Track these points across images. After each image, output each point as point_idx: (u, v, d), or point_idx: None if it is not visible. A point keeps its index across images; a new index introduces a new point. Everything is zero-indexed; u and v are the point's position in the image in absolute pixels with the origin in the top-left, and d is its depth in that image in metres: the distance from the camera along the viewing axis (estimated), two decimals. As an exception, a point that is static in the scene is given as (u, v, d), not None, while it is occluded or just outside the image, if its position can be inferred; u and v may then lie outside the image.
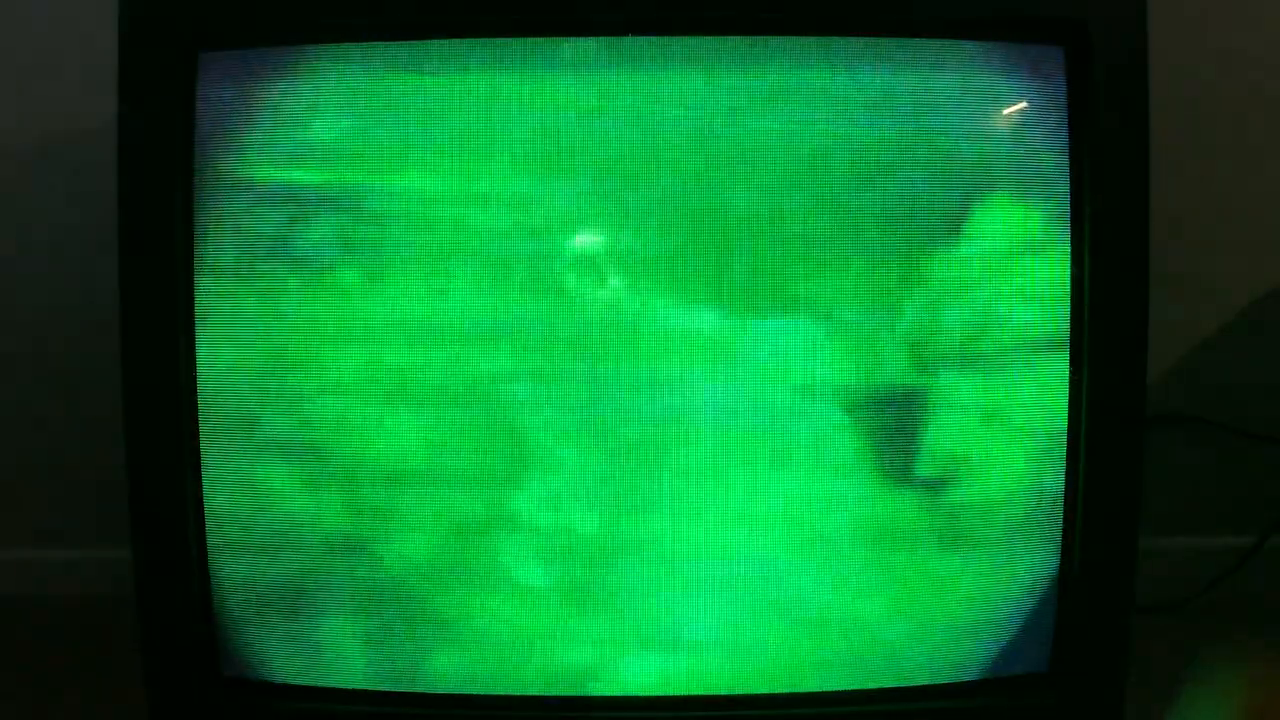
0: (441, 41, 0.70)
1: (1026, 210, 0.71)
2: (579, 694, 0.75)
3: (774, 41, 0.70)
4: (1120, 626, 0.74)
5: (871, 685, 0.75)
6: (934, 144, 0.70)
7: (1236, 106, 1.11)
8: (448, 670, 0.74)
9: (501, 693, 0.75)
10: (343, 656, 0.75)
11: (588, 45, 0.70)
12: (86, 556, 1.14)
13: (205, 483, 0.72)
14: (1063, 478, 0.73)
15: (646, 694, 0.74)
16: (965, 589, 0.74)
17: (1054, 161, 0.71)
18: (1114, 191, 0.70)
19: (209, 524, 0.73)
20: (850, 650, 0.75)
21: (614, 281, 0.70)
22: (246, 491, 0.73)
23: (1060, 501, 0.73)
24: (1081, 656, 0.74)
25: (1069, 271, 0.71)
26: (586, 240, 0.71)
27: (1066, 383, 0.72)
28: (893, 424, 0.72)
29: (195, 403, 0.72)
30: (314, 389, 0.72)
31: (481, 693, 0.75)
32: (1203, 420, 1.15)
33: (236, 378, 0.72)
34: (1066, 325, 0.72)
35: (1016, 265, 0.72)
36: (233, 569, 0.74)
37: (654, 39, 0.70)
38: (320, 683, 0.75)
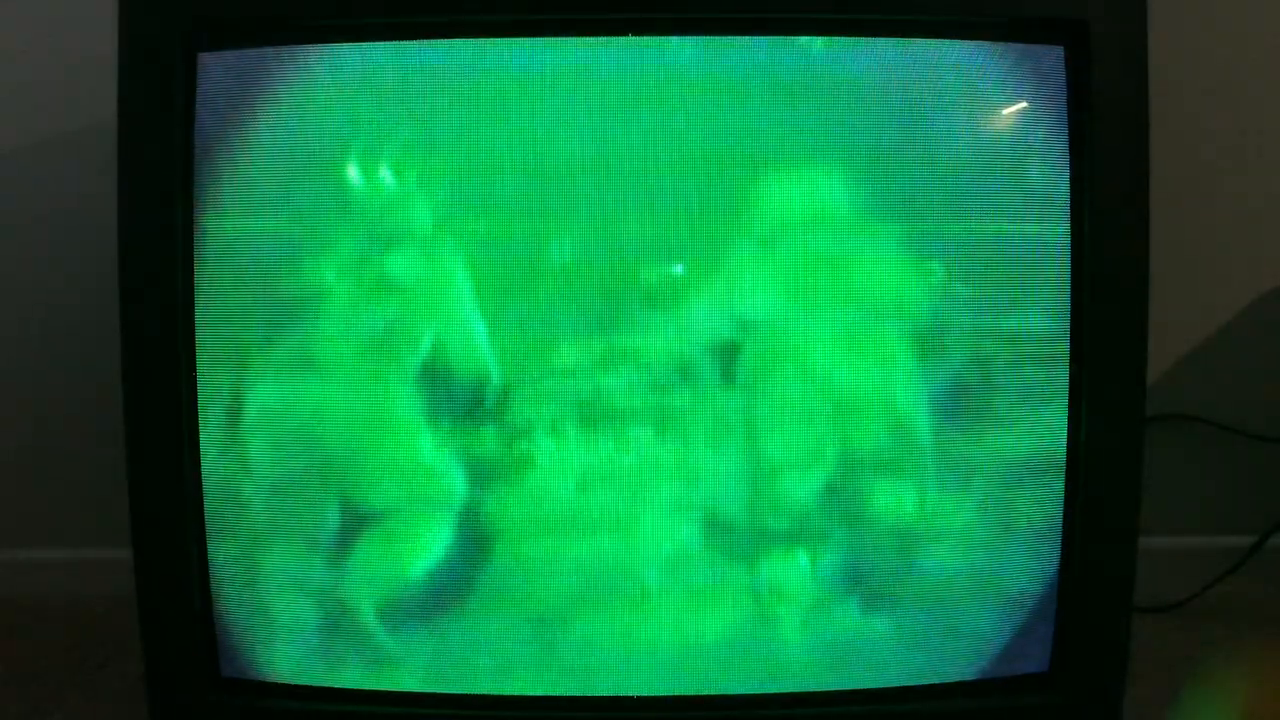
0: (441, 42, 0.70)
1: (1026, 209, 0.71)
2: (578, 694, 0.75)
3: (772, 42, 0.70)
4: (1120, 626, 0.74)
5: (872, 685, 0.75)
6: (934, 144, 0.71)
7: (1236, 106, 1.11)
8: (448, 669, 0.75)
9: (502, 692, 0.75)
10: (342, 656, 0.75)
11: (588, 44, 0.70)
12: (86, 556, 1.14)
13: (205, 483, 0.72)
14: (1063, 477, 0.73)
15: (646, 694, 0.75)
16: (966, 588, 0.74)
17: (1054, 161, 0.71)
18: (1114, 191, 0.70)
19: (209, 524, 0.73)
20: (851, 650, 0.75)
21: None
22: (247, 491, 0.73)
23: (1061, 501, 0.73)
24: (1081, 656, 0.74)
25: (1069, 271, 0.71)
26: (584, 240, 0.71)
27: (1067, 385, 0.72)
28: (892, 424, 0.72)
29: (195, 403, 0.72)
30: (315, 387, 0.72)
31: (482, 692, 0.75)
32: (1203, 420, 1.15)
33: (236, 377, 0.72)
34: (1067, 326, 0.72)
35: (1017, 264, 0.72)
36: (233, 569, 0.74)
37: (652, 39, 0.70)
38: (320, 682, 0.75)
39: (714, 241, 0.71)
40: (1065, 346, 0.72)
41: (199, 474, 0.72)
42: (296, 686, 0.75)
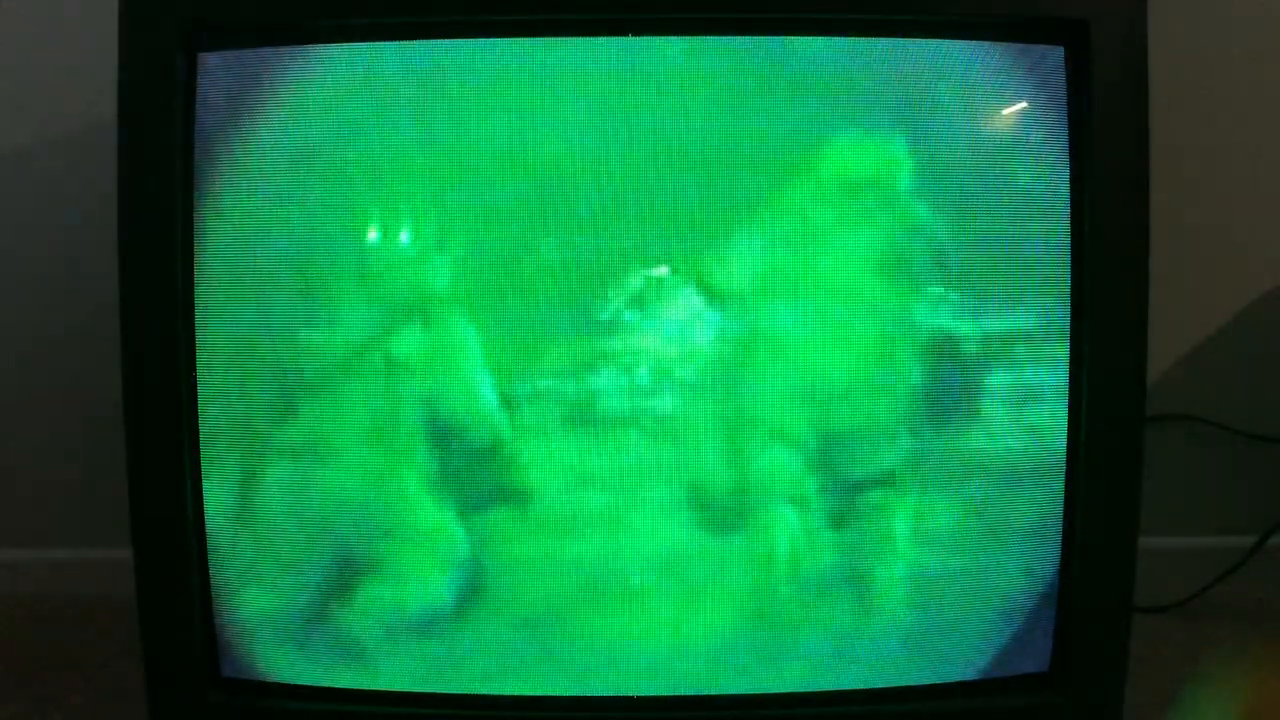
0: (441, 42, 0.70)
1: (1025, 208, 0.71)
2: (577, 695, 0.75)
3: (772, 41, 0.70)
4: (1120, 626, 0.74)
5: (872, 685, 0.75)
6: (933, 143, 0.71)
7: (1236, 106, 1.11)
8: (447, 670, 0.75)
9: (501, 693, 0.75)
10: (342, 655, 0.75)
11: (589, 44, 0.70)
12: (86, 556, 1.14)
13: (205, 483, 0.72)
14: (1063, 477, 0.73)
15: (645, 694, 0.75)
16: (966, 588, 0.74)
17: (1054, 161, 0.71)
18: (1114, 191, 0.70)
19: (209, 524, 0.73)
20: (852, 651, 0.75)
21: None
22: (246, 491, 0.73)
23: (1061, 501, 0.73)
24: (1081, 656, 0.74)
25: (1069, 271, 0.71)
26: (585, 239, 0.71)
27: (1067, 385, 0.72)
28: (890, 425, 0.72)
29: (195, 403, 0.72)
30: (314, 388, 0.72)
31: (481, 693, 0.75)
32: (1203, 420, 1.15)
33: (237, 377, 0.72)
34: (1067, 325, 0.72)
35: (1017, 263, 0.72)
36: (233, 569, 0.74)
37: (651, 38, 0.70)
38: (320, 683, 0.75)
39: (715, 241, 0.71)
40: (1065, 346, 0.72)
41: (199, 474, 0.72)
42: (296, 686, 0.75)
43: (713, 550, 0.73)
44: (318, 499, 0.73)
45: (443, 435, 0.72)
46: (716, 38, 0.70)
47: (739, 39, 0.70)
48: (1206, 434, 1.15)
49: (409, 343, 0.71)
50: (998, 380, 0.72)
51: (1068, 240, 0.71)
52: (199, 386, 0.72)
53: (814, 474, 0.73)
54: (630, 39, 0.70)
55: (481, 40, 0.70)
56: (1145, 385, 0.72)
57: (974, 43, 0.70)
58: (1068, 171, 0.71)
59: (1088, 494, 0.72)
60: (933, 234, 0.71)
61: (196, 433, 0.72)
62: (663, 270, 0.71)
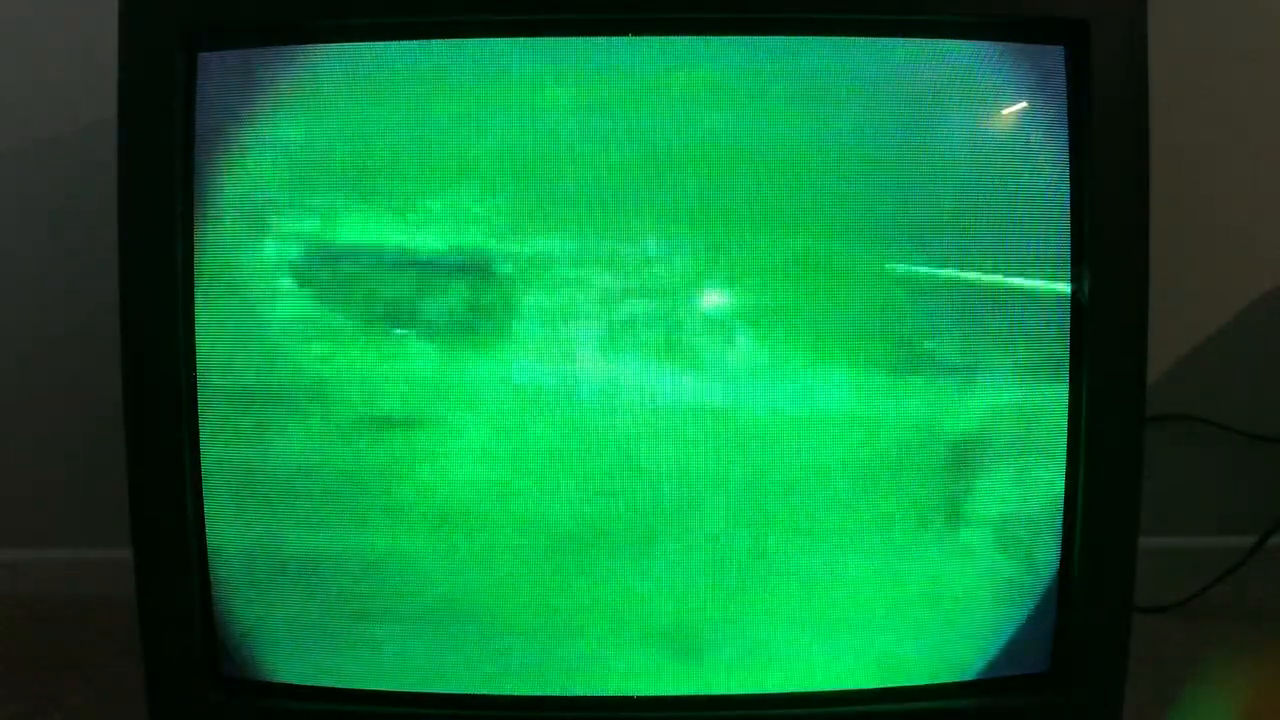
0: (440, 42, 0.70)
1: (1025, 209, 0.71)
2: (578, 694, 0.75)
3: (772, 42, 0.70)
4: (1120, 626, 0.74)
5: (871, 685, 0.75)
6: (932, 143, 0.71)
7: (1236, 106, 1.11)
8: (450, 670, 0.75)
9: (502, 692, 0.75)
10: (342, 656, 0.75)
11: (589, 44, 0.70)
12: (86, 556, 1.14)
13: (205, 483, 0.72)
14: (1063, 478, 0.73)
15: (646, 695, 0.75)
16: (965, 588, 0.74)
17: (1054, 161, 0.71)
18: (1114, 191, 0.70)
19: (209, 524, 0.73)
20: (851, 650, 0.75)
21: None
22: (246, 491, 0.73)
23: (1061, 501, 0.73)
24: (1081, 656, 0.74)
25: (1069, 271, 0.71)
26: (591, 252, 0.71)
27: (1066, 383, 0.72)
28: (889, 426, 0.72)
29: (195, 403, 0.72)
30: (312, 388, 0.72)
31: (483, 692, 0.75)
32: (1203, 420, 1.15)
33: (236, 377, 0.72)
34: (1067, 325, 0.72)
35: (1015, 264, 0.72)
36: (233, 569, 0.74)
37: (653, 39, 0.70)
38: (320, 683, 0.75)
39: (712, 242, 0.71)
40: (1065, 346, 0.72)
41: (199, 474, 0.72)
42: (296, 686, 0.75)
43: (711, 549, 0.73)
44: (318, 499, 0.73)
45: (447, 435, 0.72)
46: (716, 38, 0.70)
47: (738, 39, 0.70)
48: (1206, 434, 1.15)
49: (409, 344, 0.71)
50: (997, 380, 0.72)
51: (1068, 240, 0.71)
52: (199, 386, 0.72)
53: (809, 474, 0.73)
54: (631, 39, 0.70)
55: (482, 40, 0.70)
56: (1145, 385, 0.72)
57: (974, 42, 0.70)
58: (1068, 171, 0.71)
59: (1088, 494, 0.72)
60: (929, 233, 0.71)
61: (196, 433, 0.72)
62: (667, 281, 0.71)
